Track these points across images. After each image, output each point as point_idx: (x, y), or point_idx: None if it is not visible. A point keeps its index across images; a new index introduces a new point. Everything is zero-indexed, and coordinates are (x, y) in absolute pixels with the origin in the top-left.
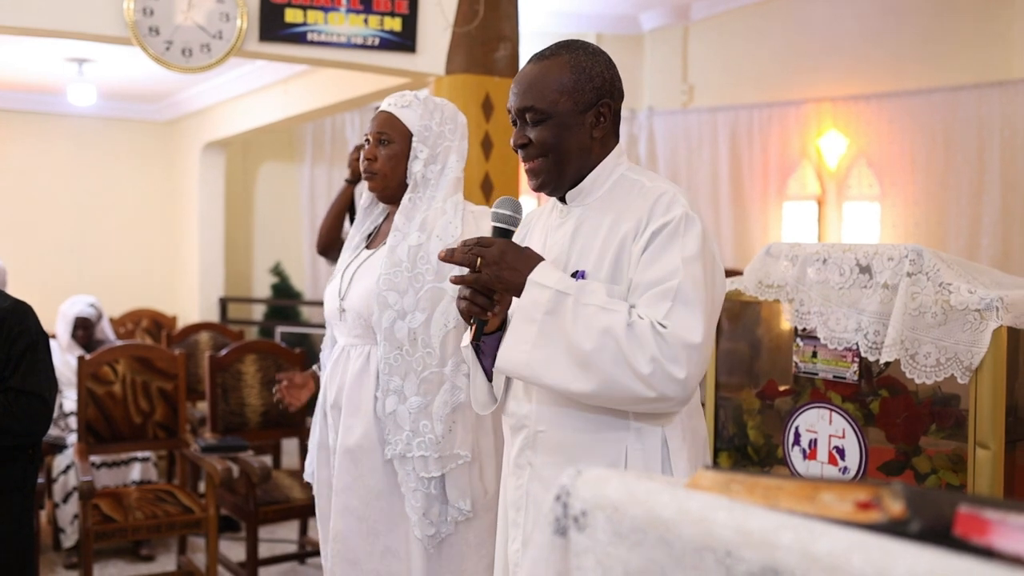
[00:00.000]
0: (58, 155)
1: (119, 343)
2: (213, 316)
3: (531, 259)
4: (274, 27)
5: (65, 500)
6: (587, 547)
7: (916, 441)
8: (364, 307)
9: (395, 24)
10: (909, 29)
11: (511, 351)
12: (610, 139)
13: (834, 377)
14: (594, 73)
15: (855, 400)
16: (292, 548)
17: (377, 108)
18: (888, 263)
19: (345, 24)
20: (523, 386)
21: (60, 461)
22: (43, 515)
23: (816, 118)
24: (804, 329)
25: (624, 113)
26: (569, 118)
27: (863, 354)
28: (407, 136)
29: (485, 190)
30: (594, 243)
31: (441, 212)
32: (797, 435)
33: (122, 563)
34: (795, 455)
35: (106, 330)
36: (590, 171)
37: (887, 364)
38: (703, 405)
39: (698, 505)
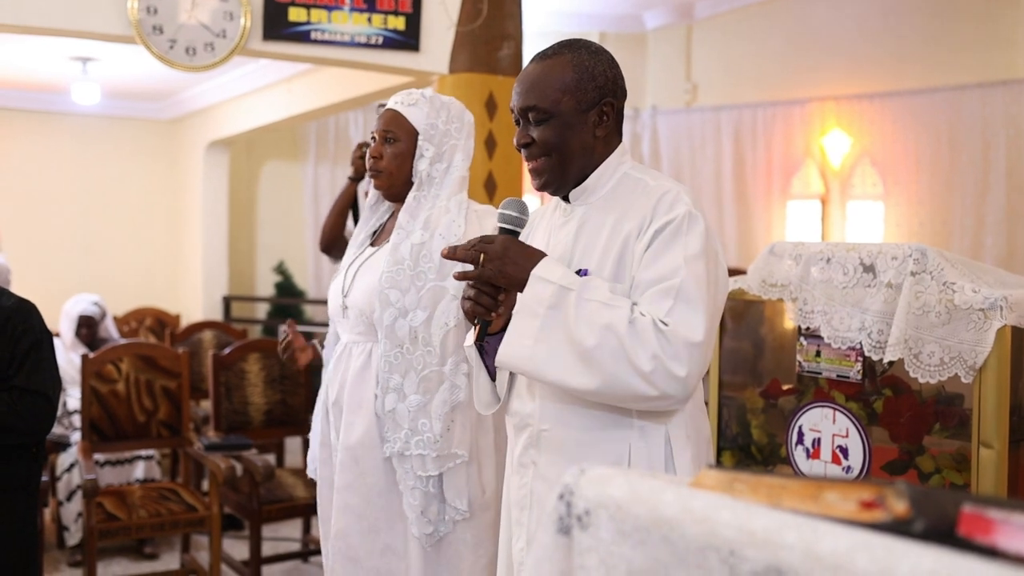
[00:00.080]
0: (62, 154)
1: (123, 341)
2: (217, 315)
3: (534, 255)
4: (278, 26)
5: (69, 498)
6: (590, 546)
7: (920, 440)
8: (366, 304)
9: (399, 23)
10: (913, 28)
11: (513, 345)
12: (613, 138)
13: (838, 376)
14: (596, 72)
15: (859, 399)
16: (295, 546)
17: (379, 105)
18: (892, 262)
19: (349, 23)
20: (527, 385)
21: (64, 459)
22: (47, 513)
23: (820, 117)
24: (808, 328)
25: (627, 112)
26: (572, 117)
27: (867, 353)
28: (413, 134)
29: (488, 189)
30: (597, 242)
31: (445, 211)
32: (800, 434)
33: (126, 561)
34: (798, 454)
35: (110, 328)
36: (593, 170)
37: (891, 363)
38: (706, 404)
39: (702, 504)
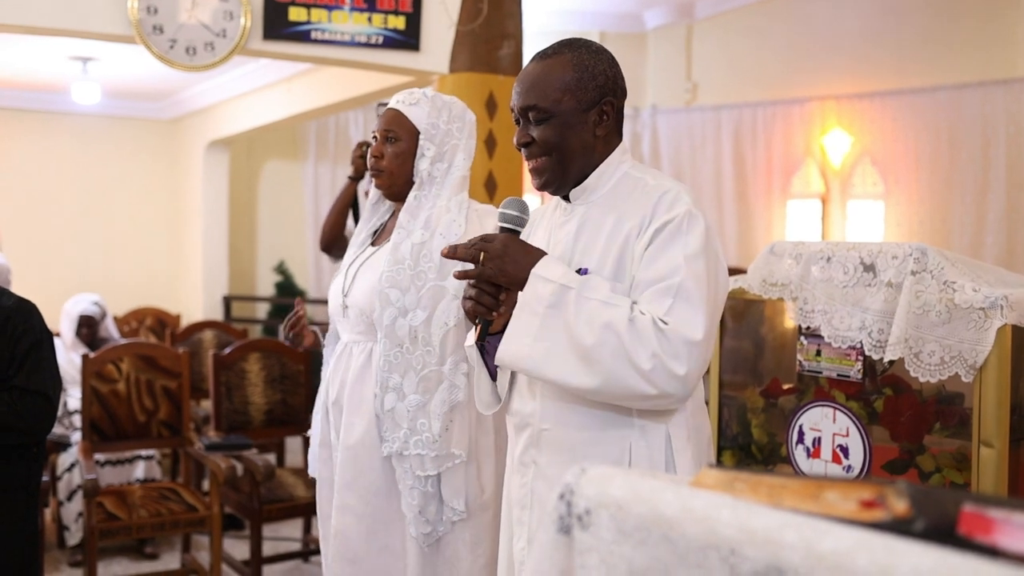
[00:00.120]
0: (62, 153)
1: (123, 341)
2: (217, 314)
3: (534, 253)
4: (278, 25)
5: (69, 498)
6: (591, 545)
7: (920, 439)
8: (366, 304)
9: (399, 22)
10: (913, 27)
11: (512, 343)
12: (613, 137)
13: (838, 375)
14: (597, 71)
15: (859, 398)
16: (296, 546)
17: (379, 104)
18: (892, 261)
19: (349, 22)
20: (527, 384)
21: (64, 459)
22: (47, 513)
23: (820, 116)
24: (808, 327)
25: (628, 111)
26: (572, 117)
27: (867, 352)
28: (414, 134)
29: (489, 189)
30: (598, 241)
31: (445, 210)
32: (801, 433)
33: (126, 561)
34: (799, 453)
35: (110, 328)
36: (593, 169)
37: (891, 362)
38: (707, 403)
39: (702, 503)
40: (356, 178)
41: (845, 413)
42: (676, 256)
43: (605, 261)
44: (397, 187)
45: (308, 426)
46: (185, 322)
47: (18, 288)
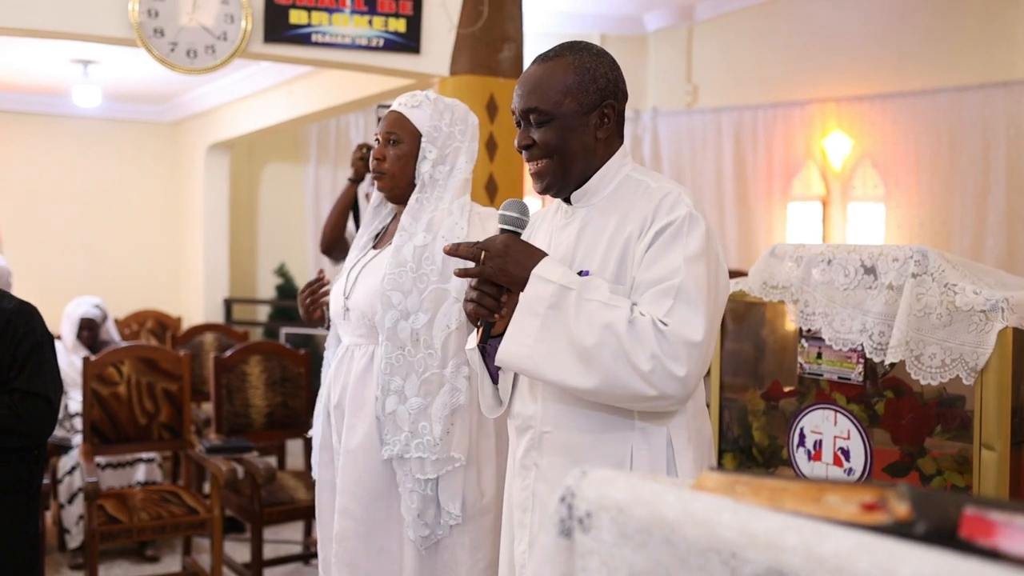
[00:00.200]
0: (63, 156)
1: (124, 344)
2: (218, 317)
3: (535, 254)
4: (278, 28)
5: (70, 501)
6: (592, 548)
7: (921, 442)
8: (368, 307)
9: (399, 25)
10: (914, 29)
11: (513, 344)
12: (614, 140)
13: (839, 378)
14: (598, 74)
15: (860, 401)
16: (297, 549)
17: (379, 107)
18: (893, 264)
19: (349, 25)
20: (529, 387)
21: (65, 462)
22: (48, 516)
23: (820, 119)
24: (809, 330)
25: (628, 114)
26: (573, 119)
27: (868, 355)
28: (416, 136)
29: (489, 191)
30: (599, 244)
31: (448, 213)
32: (802, 436)
33: (127, 564)
34: (800, 456)
35: (111, 331)
36: (595, 172)
37: (892, 365)
38: (707, 406)
39: (703, 506)
40: (356, 180)
41: (846, 416)
42: (676, 258)
43: (607, 264)
44: (399, 190)
45: (309, 428)
46: (186, 325)
47: (19, 291)
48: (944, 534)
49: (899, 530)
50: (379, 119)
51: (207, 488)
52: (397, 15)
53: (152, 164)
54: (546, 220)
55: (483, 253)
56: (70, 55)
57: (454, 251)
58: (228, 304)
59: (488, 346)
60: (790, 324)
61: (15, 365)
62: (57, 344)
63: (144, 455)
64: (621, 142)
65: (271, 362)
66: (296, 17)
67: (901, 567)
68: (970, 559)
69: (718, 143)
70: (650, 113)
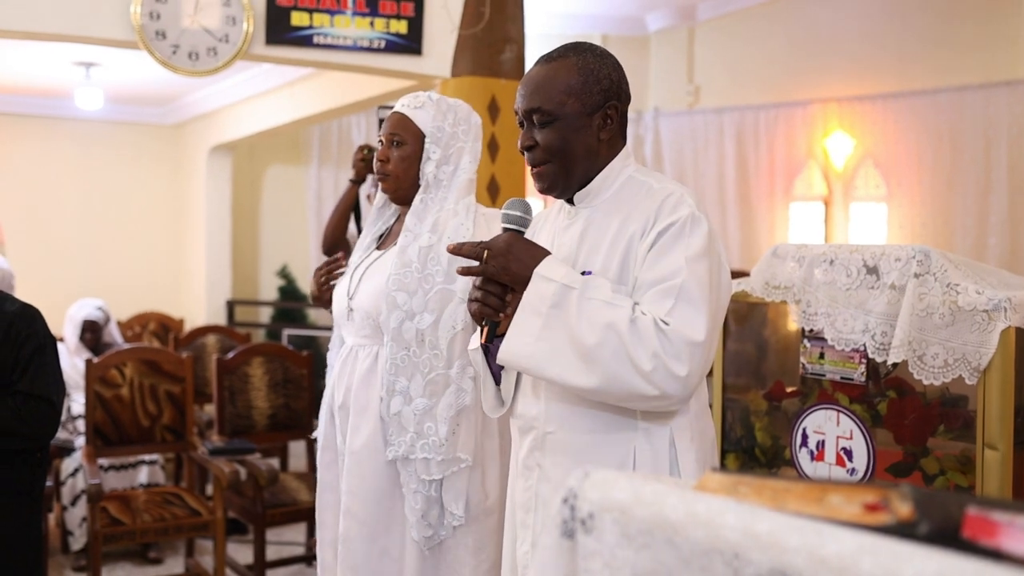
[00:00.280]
0: (65, 159)
1: (127, 346)
2: (220, 319)
3: (538, 253)
4: (280, 30)
5: (73, 503)
6: (595, 549)
7: (924, 442)
8: (373, 307)
9: (401, 27)
10: (915, 29)
11: (515, 343)
12: (617, 141)
13: (841, 378)
14: (601, 75)
15: (863, 401)
16: (299, 550)
17: (380, 108)
18: (895, 264)
19: (351, 27)
20: (532, 387)
21: (68, 464)
22: (51, 518)
23: (822, 119)
24: (811, 330)
25: (630, 114)
26: (576, 120)
27: (870, 355)
28: (420, 137)
29: (491, 192)
30: (602, 244)
31: (453, 214)
32: (805, 436)
33: (130, 566)
34: (803, 456)
35: (114, 333)
36: (597, 173)
37: (895, 365)
38: (710, 406)
39: (706, 507)
40: (357, 181)
41: (849, 416)
42: (678, 258)
43: (609, 264)
44: (403, 191)
45: (311, 430)
46: (188, 327)
47: (21, 293)
48: (947, 534)
49: (902, 531)
50: (380, 120)
51: (210, 490)
52: (399, 17)
53: (154, 166)
54: (549, 221)
55: (486, 252)
56: (72, 58)
57: (457, 250)
58: (230, 306)
59: (491, 346)
60: (792, 324)
61: (17, 368)
62: (60, 346)
63: (147, 457)
64: (624, 143)
65: (273, 364)
66: (298, 19)
67: (904, 568)
68: (973, 559)
69: (720, 143)
70: (652, 113)
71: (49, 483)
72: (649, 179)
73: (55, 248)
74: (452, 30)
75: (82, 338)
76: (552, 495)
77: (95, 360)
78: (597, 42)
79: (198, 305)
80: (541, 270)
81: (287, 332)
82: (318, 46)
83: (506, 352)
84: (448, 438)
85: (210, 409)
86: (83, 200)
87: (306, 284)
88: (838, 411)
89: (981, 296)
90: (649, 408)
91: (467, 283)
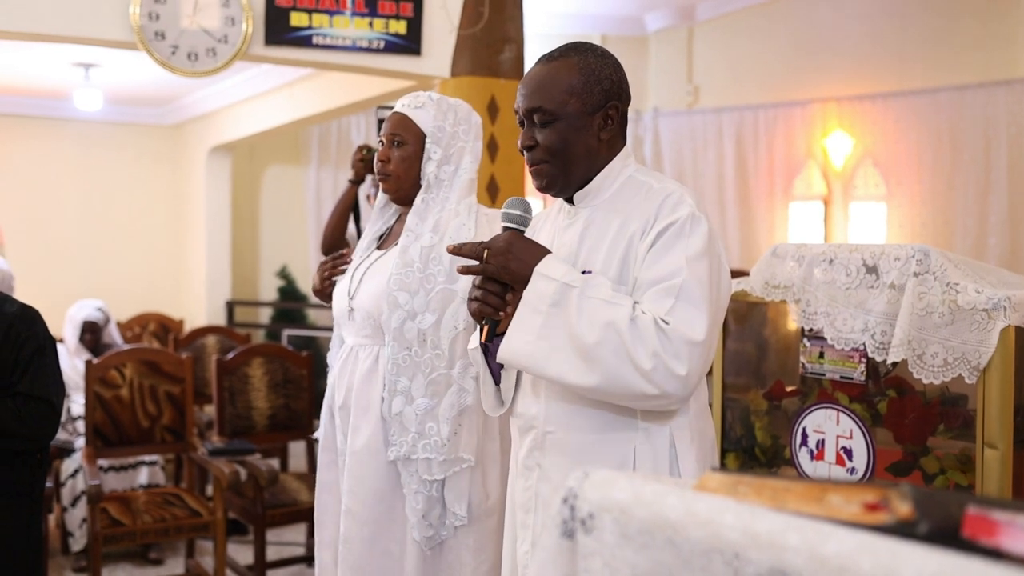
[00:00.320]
0: (65, 159)
1: (126, 347)
2: (220, 320)
3: (538, 252)
4: (279, 31)
5: (73, 504)
6: (594, 549)
7: (924, 441)
8: (374, 307)
9: (400, 27)
10: (914, 29)
11: (514, 341)
12: (617, 141)
13: (841, 378)
14: (603, 75)
15: (862, 400)
16: (300, 551)
17: (379, 108)
18: (895, 263)
19: (350, 27)
20: (532, 387)
21: (68, 465)
22: (51, 519)
23: (822, 118)
24: (811, 330)
25: (629, 114)
26: (577, 120)
27: (870, 354)
28: (420, 137)
29: (491, 192)
30: (602, 244)
31: (455, 214)
32: (804, 436)
33: (130, 567)
34: (802, 456)
35: (113, 334)
36: (597, 173)
37: (894, 364)
38: (710, 406)
39: (705, 507)
40: (356, 182)
41: (848, 415)
42: (678, 257)
43: (609, 264)
44: (404, 191)
45: (311, 430)
46: (188, 327)
47: (21, 294)
48: (947, 534)
49: (902, 530)
50: (379, 121)
51: (210, 490)
52: (398, 17)
53: (154, 167)
54: (549, 220)
55: (486, 251)
56: (71, 59)
57: (457, 251)
58: (230, 306)
59: (491, 345)
60: (792, 324)
61: (17, 369)
62: (59, 347)
63: (147, 458)
64: (624, 143)
65: (273, 364)
66: (297, 19)
67: (904, 567)
68: (973, 559)
69: (719, 143)
70: (651, 113)
71: (49, 484)
72: (649, 179)
73: (55, 249)
74: (451, 30)
75: (82, 339)
76: (552, 495)
77: (95, 361)
78: (596, 42)
79: (198, 306)
80: (541, 268)
81: (287, 332)
82: (317, 46)
83: (506, 350)
84: (450, 438)
85: (210, 410)
86: (83, 201)
87: (306, 285)
88: (838, 410)
89: (981, 295)
90: (649, 407)
91: (469, 283)
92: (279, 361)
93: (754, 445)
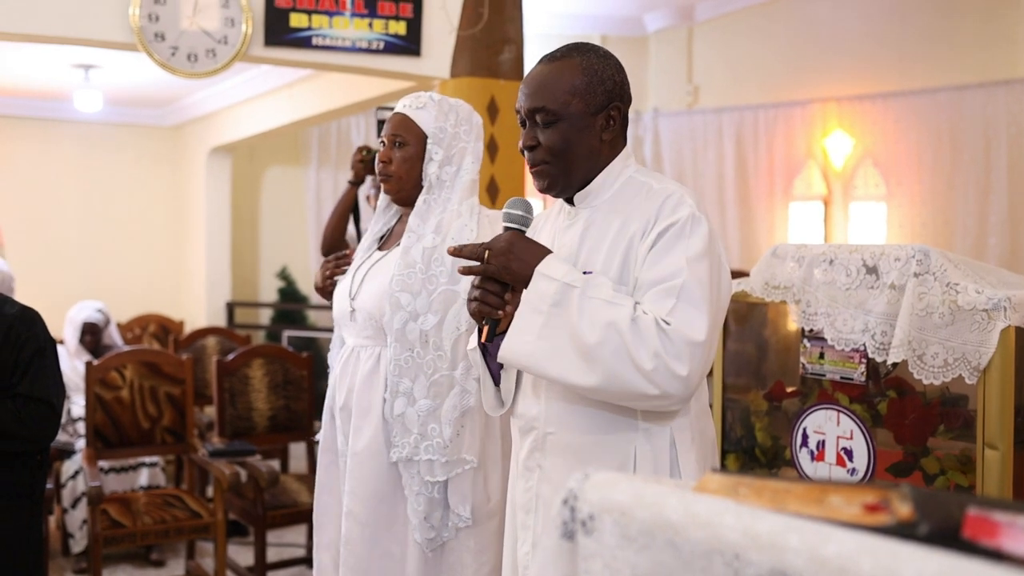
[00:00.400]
0: (65, 161)
1: (127, 348)
2: (220, 321)
3: (539, 251)
4: (279, 32)
5: (74, 505)
6: (595, 551)
7: (924, 442)
8: (376, 308)
9: (400, 28)
10: (914, 28)
11: (515, 341)
12: (618, 142)
13: (841, 378)
14: (605, 76)
15: (863, 401)
16: (300, 552)
17: (379, 109)
18: (895, 263)
19: (350, 28)
20: (532, 387)
21: (68, 466)
22: (52, 521)
23: (822, 118)
24: (811, 330)
25: (629, 115)
26: (580, 120)
27: (870, 355)
28: (422, 138)
29: (491, 193)
30: (602, 245)
31: (457, 215)
32: (805, 436)
33: (131, 568)
34: (803, 456)
35: (114, 335)
36: (598, 173)
37: (895, 365)
38: (710, 407)
39: (706, 508)
40: (356, 183)
41: (849, 416)
42: (679, 258)
43: (610, 265)
44: (406, 192)
45: (311, 432)
46: (188, 328)
47: (21, 295)
48: (947, 535)
49: (902, 531)
50: (379, 122)
51: (210, 492)
52: (397, 18)
53: (154, 168)
54: (549, 221)
55: (487, 252)
56: (71, 60)
57: (458, 253)
58: (230, 307)
59: (491, 345)
60: (792, 324)
61: (17, 370)
62: (60, 349)
63: (147, 459)
64: (624, 144)
65: (273, 365)
66: (296, 20)
67: (904, 568)
68: (973, 560)
69: (719, 143)
70: (651, 114)
71: (49, 486)
72: (649, 179)
73: (55, 250)
74: (451, 31)
75: (82, 340)
76: (553, 496)
77: (95, 362)
78: (596, 42)
79: (198, 307)
80: (542, 268)
81: (287, 333)
82: (317, 47)
83: (507, 350)
84: (452, 440)
85: (210, 411)
86: (83, 202)
87: (306, 286)
88: (838, 411)
89: (981, 295)
90: (650, 408)
91: (470, 284)
92: (279, 362)
93: (754, 446)
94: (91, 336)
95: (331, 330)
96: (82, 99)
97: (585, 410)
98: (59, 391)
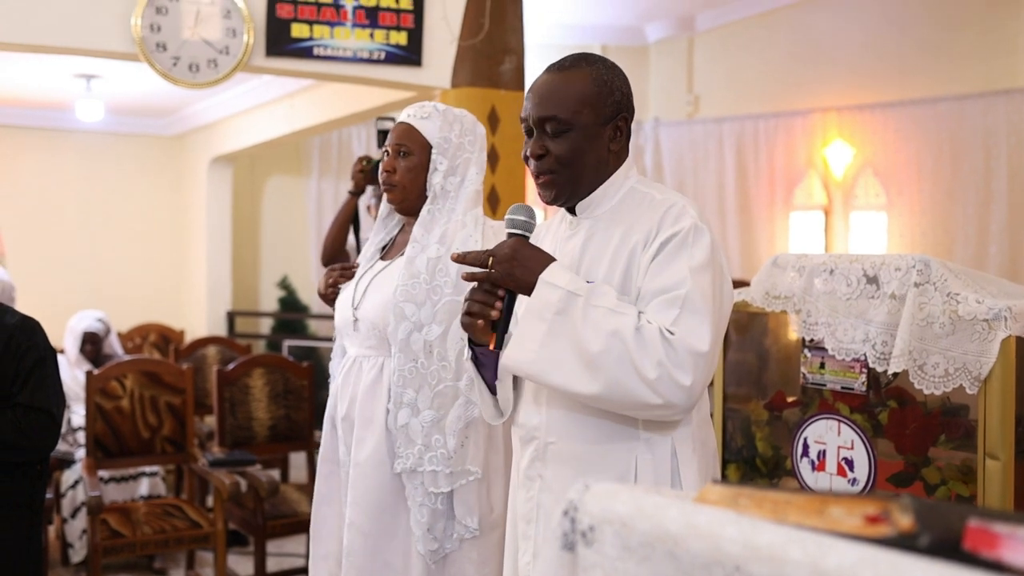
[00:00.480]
0: (66, 170)
1: (127, 358)
2: (221, 330)
3: (543, 258)
4: (280, 42)
5: (73, 515)
6: (595, 562)
7: (925, 452)
8: (379, 318)
9: (401, 38)
10: (914, 38)
11: (518, 349)
12: (623, 153)
13: (842, 388)
14: (614, 87)
15: (864, 411)
16: (300, 562)
17: (378, 119)
18: (895, 273)
19: (351, 38)
20: (534, 397)
21: (68, 476)
22: (52, 530)
23: (822, 128)
24: (812, 340)
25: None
26: (590, 130)
27: (871, 365)
28: (426, 148)
29: (492, 203)
30: (604, 255)
31: (461, 225)
32: (806, 446)
33: None
34: (804, 467)
35: (114, 345)
36: (601, 183)
37: (895, 375)
38: (711, 416)
39: (706, 519)
40: (356, 193)
41: (849, 426)
42: (682, 268)
43: (612, 274)
44: (410, 201)
45: (311, 442)
46: (189, 338)
47: (22, 305)
48: (948, 546)
49: (902, 543)
50: (379, 132)
51: (210, 501)
52: (398, 28)
53: (155, 178)
54: (550, 231)
55: (491, 259)
56: (73, 70)
57: (461, 259)
58: (231, 317)
59: (481, 355)
60: (793, 334)
61: (18, 380)
62: (60, 358)
63: (147, 469)
64: (627, 155)
65: (274, 375)
66: (298, 31)
67: None
68: (974, 572)
69: (719, 153)
70: (651, 123)
71: (49, 495)
72: (651, 190)
73: (56, 260)
74: (452, 41)
75: (82, 350)
76: (554, 506)
77: (95, 372)
78: (597, 52)
79: (198, 316)
80: (546, 276)
81: (287, 343)
82: (318, 57)
83: (508, 358)
84: (457, 450)
85: (210, 420)
86: (84, 212)
87: (306, 295)
88: (839, 421)
89: (981, 305)
90: (652, 417)
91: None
92: (280, 372)
93: (755, 456)
94: (91, 346)
95: (332, 340)
96: (84, 109)
97: (587, 420)
98: (59, 401)
